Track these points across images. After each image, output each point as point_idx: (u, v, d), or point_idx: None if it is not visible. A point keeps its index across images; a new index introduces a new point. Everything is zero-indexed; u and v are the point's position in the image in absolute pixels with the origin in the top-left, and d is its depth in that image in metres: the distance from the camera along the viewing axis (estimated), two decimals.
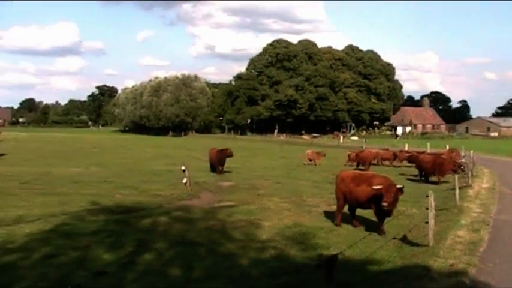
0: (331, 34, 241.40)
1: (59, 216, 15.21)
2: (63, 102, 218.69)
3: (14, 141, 58.72)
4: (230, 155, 28.58)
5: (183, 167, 22.19)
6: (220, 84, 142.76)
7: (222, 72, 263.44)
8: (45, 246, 11.81)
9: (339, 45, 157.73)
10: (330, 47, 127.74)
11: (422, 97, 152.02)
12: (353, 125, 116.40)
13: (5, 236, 12.65)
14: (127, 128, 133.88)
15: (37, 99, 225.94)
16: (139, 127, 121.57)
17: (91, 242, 12.25)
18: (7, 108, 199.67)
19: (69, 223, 14.32)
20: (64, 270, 10.02)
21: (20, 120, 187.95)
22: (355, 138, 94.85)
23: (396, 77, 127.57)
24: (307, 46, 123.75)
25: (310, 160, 35.36)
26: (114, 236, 12.83)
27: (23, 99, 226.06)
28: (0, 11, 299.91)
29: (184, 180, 21.69)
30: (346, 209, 14.90)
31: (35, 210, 16.07)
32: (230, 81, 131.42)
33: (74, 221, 14.63)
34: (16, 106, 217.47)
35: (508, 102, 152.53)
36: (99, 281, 9.42)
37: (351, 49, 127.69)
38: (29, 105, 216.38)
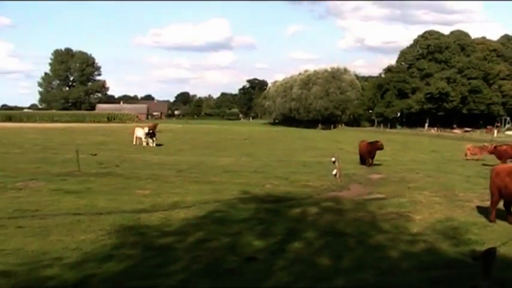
0: (486, 24, 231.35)
1: (211, 203, 15.78)
2: (216, 95, 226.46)
3: (170, 133, 61.41)
4: (380, 148, 28.18)
5: (333, 158, 22.19)
6: (369, 77, 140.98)
7: (371, 65, 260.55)
8: (198, 230, 12.28)
9: (494, 35, 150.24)
10: (484, 38, 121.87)
11: None
12: (508, 119, 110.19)
13: (163, 220, 13.33)
14: (277, 121, 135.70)
15: (191, 93, 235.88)
16: (288, 119, 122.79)
17: (242, 228, 12.57)
18: (164, 101, 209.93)
19: (222, 210, 14.81)
20: (216, 254, 10.34)
21: (176, 112, 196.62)
22: (510, 132, 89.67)
23: None
24: (460, 37, 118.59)
25: (472, 155, 33.94)
26: (265, 224, 13.08)
27: (178, 92, 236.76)
28: (160, 10, 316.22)
29: (334, 172, 21.68)
30: (501, 204, 14.21)
31: (190, 197, 16.79)
32: (380, 74, 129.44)
33: (226, 208, 15.11)
34: (172, 99, 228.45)
35: None
36: (250, 267, 9.62)
37: (507, 39, 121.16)
38: (183, 98, 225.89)
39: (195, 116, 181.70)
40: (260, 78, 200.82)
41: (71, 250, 10.37)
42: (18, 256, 9.92)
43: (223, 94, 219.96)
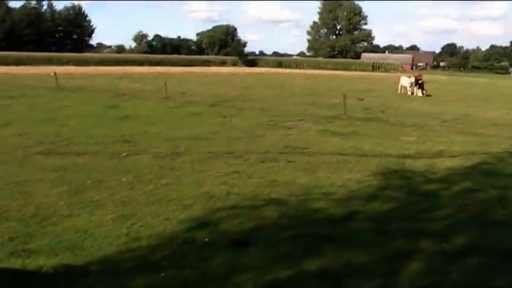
0: None
1: (478, 154, 15.15)
2: (484, 47, 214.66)
3: (435, 84, 59.83)
4: None
5: None
6: None
7: None
8: (464, 180, 11.90)
9: None
10: None
11: None
12: None
13: (427, 167, 13.15)
14: None
15: (458, 44, 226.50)
16: None
17: (511, 182, 11.96)
18: (429, 52, 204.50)
19: (489, 162, 14.16)
20: (483, 205, 9.95)
21: (441, 64, 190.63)
22: None
23: None
24: None
25: None
26: None
27: (444, 43, 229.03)
28: None
29: None
30: None
31: (455, 147, 16.31)
32: None
33: (494, 160, 14.43)
34: (437, 51, 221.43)
35: None
36: None
37: None
38: (449, 50, 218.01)
39: (461, 69, 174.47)
40: None
41: (337, 187, 10.74)
42: (289, 188, 10.54)
43: (492, 46, 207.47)
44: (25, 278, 6.19)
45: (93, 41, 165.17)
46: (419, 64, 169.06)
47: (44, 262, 6.59)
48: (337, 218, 8.69)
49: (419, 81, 40.67)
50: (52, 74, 39.27)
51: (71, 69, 70.84)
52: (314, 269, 6.56)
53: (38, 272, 6.33)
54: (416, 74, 46.04)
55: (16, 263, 6.59)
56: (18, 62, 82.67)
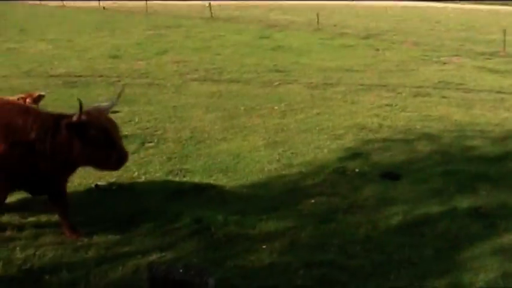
0: None
1: None
2: None
3: None
4: None
5: None
6: None
7: None
8: None
9: None
10: None
11: None
12: None
13: None
14: None
15: None
16: None
17: None
18: None
19: None
20: None
21: None
22: None
23: None
24: None
25: None
26: None
27: None
28: None
29: None
30: None
31: None
32: None
33: None
34: None
35: None
36: None
37: None
38: None
39: None
40: None
41: (493, 125, 10.27)
42: (442, 123, 10.27)
43: None
44: (182, 193, 6.55)
45: None
46: None
47: (198, 181, 6.95)
48: (492, 157, 8.34)
49: None
50: (207, 5, 40.18)
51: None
52: (466, 206, 6.35)
53: (194, 190, 6.68)
54: None
55: (174, 181, 6.99)
56: None
